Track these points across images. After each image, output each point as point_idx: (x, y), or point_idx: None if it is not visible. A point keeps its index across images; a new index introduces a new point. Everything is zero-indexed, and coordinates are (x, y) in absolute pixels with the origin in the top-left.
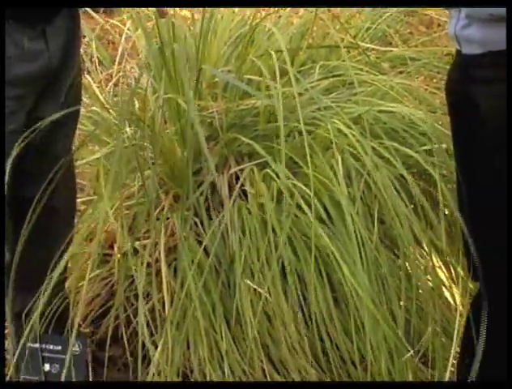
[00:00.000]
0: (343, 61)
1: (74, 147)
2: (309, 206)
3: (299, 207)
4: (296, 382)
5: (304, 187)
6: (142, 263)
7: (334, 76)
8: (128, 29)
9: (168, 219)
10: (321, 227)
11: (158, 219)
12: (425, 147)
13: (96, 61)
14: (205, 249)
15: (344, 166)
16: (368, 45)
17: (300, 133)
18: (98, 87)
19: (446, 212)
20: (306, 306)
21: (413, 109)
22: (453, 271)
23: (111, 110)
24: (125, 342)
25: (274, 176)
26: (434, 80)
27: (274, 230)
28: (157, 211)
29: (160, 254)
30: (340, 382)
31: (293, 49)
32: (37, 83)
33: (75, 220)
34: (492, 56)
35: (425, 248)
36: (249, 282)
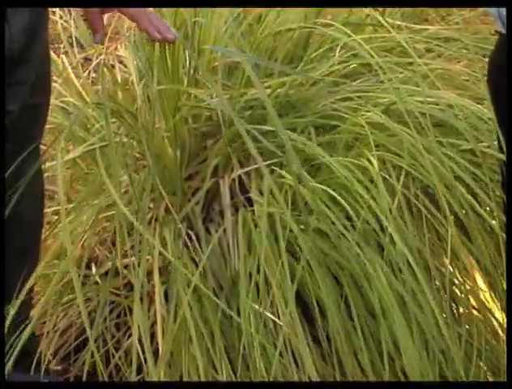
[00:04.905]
0: (369, 41)
1: (43, 146)
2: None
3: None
4: (296, 383)
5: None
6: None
7: (356, 60)
8: None
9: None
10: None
11: (141, 235)
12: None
13: (74, 40)
14: (202, 269)
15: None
16: (399, 23)
17: (317, 127)
18: (74, 71)
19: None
20: (326, 339)
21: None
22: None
23: (89, 100)
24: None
25: (286, 180)
26: (479, 65)
27: (287, 247)
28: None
29: (145, 274)
30: (342, 382)
31: (308, 28)
32: None
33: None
34: None
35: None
36: (257, 307)
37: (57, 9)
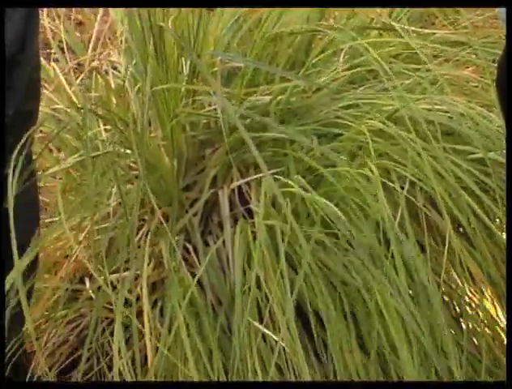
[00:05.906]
0: (374, 46)
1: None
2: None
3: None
4: (296, 383)
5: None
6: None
7: (361, 66)
8: None
9: (153, 245)
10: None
11: (139, 246)
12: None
13: (65, 46)
14: (200, 283)
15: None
16: (405, 27)
17: (320, 136)
18: (66, 78)
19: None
20: (328, 356)
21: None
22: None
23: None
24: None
25: (287, 191)
26: (489, 70)
27: (288, 260)
28: (139, 235)
29: (141, 289)
30: (342, 382)
31: (310, 32)
32: None
33: None
34: None
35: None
36: (257, 325)
37: (46, 13)
